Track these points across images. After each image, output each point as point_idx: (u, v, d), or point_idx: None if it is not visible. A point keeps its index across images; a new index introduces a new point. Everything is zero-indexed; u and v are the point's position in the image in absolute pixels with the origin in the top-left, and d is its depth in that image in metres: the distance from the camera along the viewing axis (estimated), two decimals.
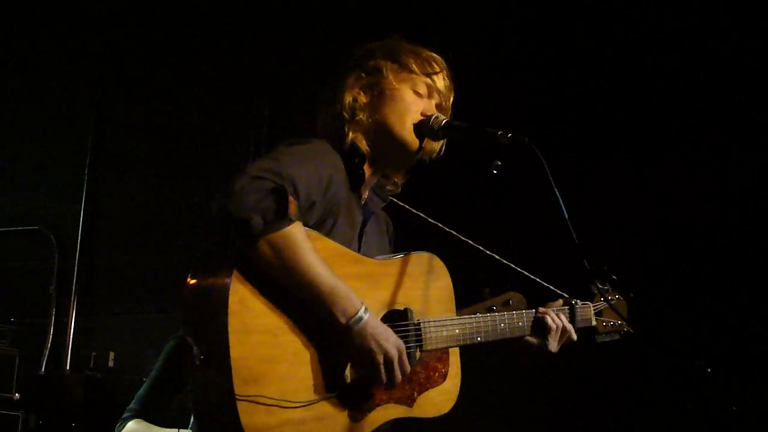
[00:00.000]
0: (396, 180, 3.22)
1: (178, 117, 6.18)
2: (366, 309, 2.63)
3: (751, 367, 4.41)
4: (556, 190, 2.78)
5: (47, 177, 6.54)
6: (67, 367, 5.94)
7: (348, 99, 3.01)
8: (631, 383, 4.74)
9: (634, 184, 4.82)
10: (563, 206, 2.78)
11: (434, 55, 3.13)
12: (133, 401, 3.41)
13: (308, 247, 2.58)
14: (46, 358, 5.92)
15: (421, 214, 3.28)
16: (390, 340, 2.69)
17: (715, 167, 4.66)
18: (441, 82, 3.09)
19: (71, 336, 6.02)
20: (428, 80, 3.07)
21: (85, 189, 6.35)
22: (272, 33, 5.96)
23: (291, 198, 2.57)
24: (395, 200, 3.26)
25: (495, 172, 2.86)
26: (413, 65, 3.05)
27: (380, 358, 2.66)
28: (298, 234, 2.56)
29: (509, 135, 2.86)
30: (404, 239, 3.26)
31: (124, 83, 6.47)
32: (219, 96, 6.04)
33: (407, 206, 3.28)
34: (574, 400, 4.94)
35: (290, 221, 2.55)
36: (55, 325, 6.04)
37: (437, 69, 3.08)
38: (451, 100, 3.15)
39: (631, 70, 4.90)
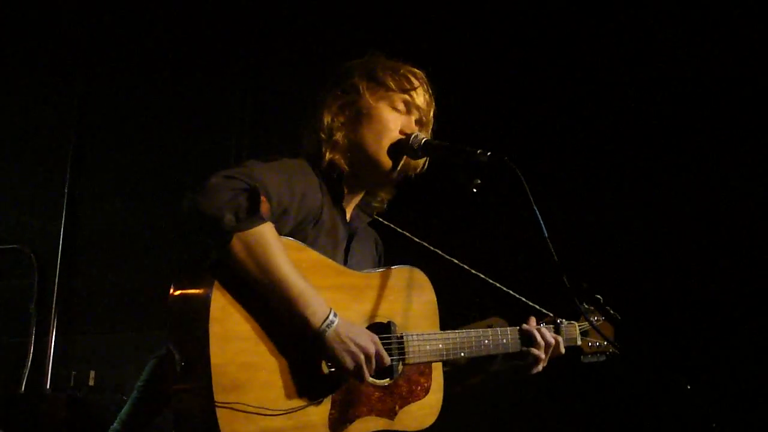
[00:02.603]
0: (382, 197, 3.25)
1: (158, 135, 6.17)
2: (334, 312, 2.65)
3: (731, 384, 4.43)
4: (535, 207, 2.81)
5: (26, 195, 6.51)
6: (48, 386, 5.90)
7: (326, 119, 3.05)
8: (615, 398, 4.75)
9: (615, 201, 4.83)
10: (542, 224, 2.80)
11: (413, 69, 3.15)
12: (116, 421, 3.40)
13: (279, 248, 2.60)
14: (26, 377, 5.89)
15: (407, 234, 3.31)
16: (363, 336, 2.72)
17: (699, 182, 4.68)
18: (420, 97, 3.12)
19: (51, 355, 5.98)
20: (406, 96, 3.09)
21: (64, 207, 6.32)
22: (254, 53, 5.97)
23: (263, 198, 2.59)
24: (380, 219, 3.29)
25: (475, 190, 2.89)
26: (390, 82, 3.08)
27: (361, 357, 2.69)
28: (269, 234, 2.59)
29: (488, 153, 2.89)
30: (390, 258, 3.28)
31: (105, 100, 6.46)
32: (200, 114, 6.04)
33: (392, 225, 3.30)
34: (557, 414, 4.94)
35: (262, 220, 2.57)
36: (35, 344, 6.00)
37: (415, 84, 3.11)
38: (432, 113, 3.18)
39: (612, 84, 4.92)
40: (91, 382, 5.71)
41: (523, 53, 5.13)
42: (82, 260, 6.28)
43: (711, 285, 4.56)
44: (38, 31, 6.56)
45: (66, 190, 6.36)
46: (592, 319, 3.57)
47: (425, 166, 3.26)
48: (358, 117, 3.07)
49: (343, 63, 3.20)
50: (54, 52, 6.52)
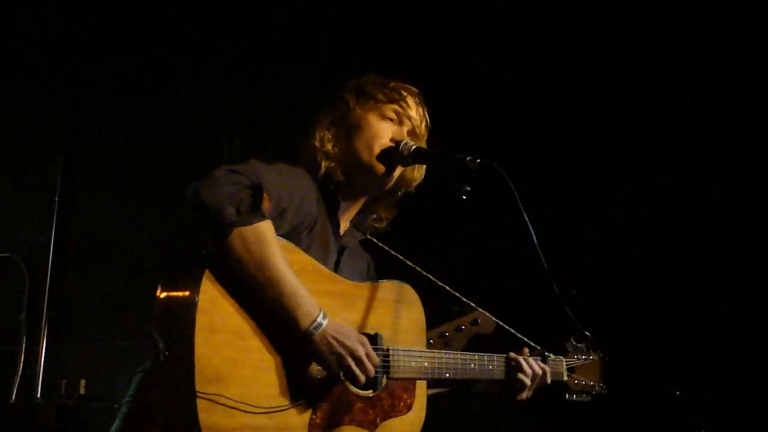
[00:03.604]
0: (380, 215, 3.26)
1: (149, 144, 6.17)
2: (324, 314, 2.65)
3: (721, 389, 4.45)
4: (525, 215, 2.82)
5: (17, 204, 6.50)
6: (38, 395, 5.88)
7: (319, 134, 3.10)
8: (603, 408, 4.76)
9: (607, 208, 4.85)
10: (532, 231, 2.82)
11: (404, 85, 3.19)
12: None
13: (276, 246, 2.62)
14: (16, 385, 5.87)
15: (399, 256, 3.31)
16: (352, 337, 2.73)
17: (691, 197, 4.70)
18: (412, 109, 3.15)
19: (42, 363, 5.97)
20: (396, 107, 3.13)
21: (55, 216, 6.31)
22: (245, 60, 5.98)
23: (265, 195, 2.61)
24: (373, 239, 3.30)
25: (465, 197, 2.90)
26: (380, 95, 3.13)
27: (349, 360, 2.70)
28: (268, 231, 2.61)
29: (478, 160, 2.91)
30: (379, 276, 3.29)
31: (95, 108, 6.46)
32: (192, 123, 6.05)
33: (385, 247, 3.31)
34: (550, 419, 4.95)
35: (263, 217, 2.59)
36: (26, 353, 5.98)
37: (404, 95, 3.14)
38: (425, 124, 3.20)
39: (603, 91, 4.94)
40: (82, 391, 5.69)
41: (514, 61, 5.15)
42: (73, 269, 6.27)
43: (702, 295, 4.58)
44: (28, 39, 6.55)
45: (56, 199, 6.35)
46: (580, 356, 3.58)
47: (421, 178, 3.29)
48: (349, 128, 3.11)
49: (335, 82, 3.25)
50: (44, 60, 6.51)
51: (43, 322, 6.09)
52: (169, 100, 6.15)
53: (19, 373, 5.91)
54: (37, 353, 6.01)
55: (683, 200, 4.69)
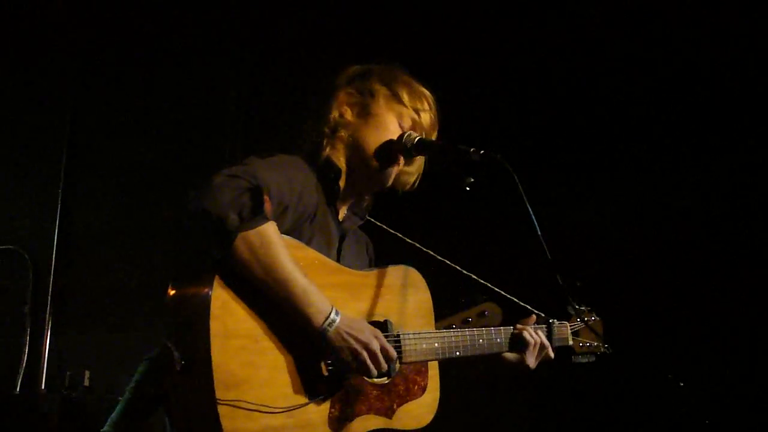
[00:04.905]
0: (368, 200, 3.27)
1: (152, 135, 6.17)
2: (336, 310, 2.66)
3: (724, 382, 4.45)
4: (528, 205, 2.82)
5: (21, 196, 6.49)
6: (42, 387, 5.89)
7: (334, 114, 3.07)
8: (608, 398, 4.76)
9: (608, 199, 4.85)
10: (536, 222, 2.82)
11: (425, 91, 3.19)
12: (107, 424, 3.40)
13: (282, 246, 2.63)
14: (20, 377, 5.88)
15: (399, 234, 3.33)
16: (366, 331, 2.75)
17: (690, 181, 4.70)
18: (427, 118, 3.14)
19: (46, 355, 5.97)
20: (415, 115, 3.12)
21: (59, 207, 6.31)
22: (247, 51, 5.98)
23: (266, 197, 2.61)
24: (372, 220, 3.30)
25: (468, 188, 2.90)
26: (405, 96, 3.11)
27: (363, 354, 2.71)
28: (272, 233, 2.61)
29: (481, 152, 2.90)
30: (382, 258, 3.30)
31: (99, 101, 6.45)
32: (194, 114, 6.04)
33: (384, 226, 3.31)
34: (551, 416, 4.95)
35: (266, 219, 2.59)
36: (30, 345, 5.99)
37: (426, 107, 3.14)
38: (435, 133, 3.21)
39: (605, 83, 4.94)
40: (86, 383, 5.70)
41: (518, 52, 5.14)
42: (77, 261, 6.27)
43: (704, 284, 4.58)
44: (31, 31, 6.54)
45: (60, 191, 6.34)
46: (585, 318, 3.61)
47: (416, 184, 3.29)
48: (367, 119, 3.10)
49: (359, 64, 3.22)
50: (47, 53, 6.50)
51: (47, 313, 6.09)
52: (172, 90, 6.14)
53: (24, 364, 5.92)
54: (41, 345, 6.01)
55: (688, 189, 4.69)
